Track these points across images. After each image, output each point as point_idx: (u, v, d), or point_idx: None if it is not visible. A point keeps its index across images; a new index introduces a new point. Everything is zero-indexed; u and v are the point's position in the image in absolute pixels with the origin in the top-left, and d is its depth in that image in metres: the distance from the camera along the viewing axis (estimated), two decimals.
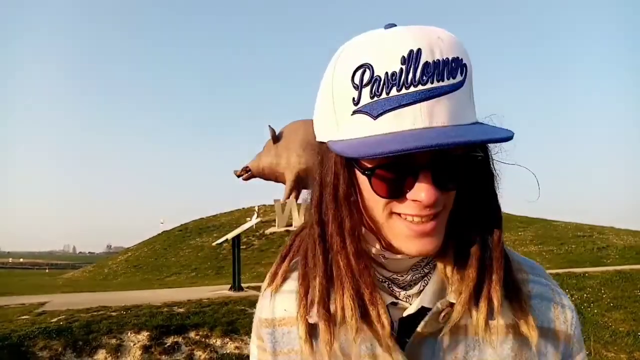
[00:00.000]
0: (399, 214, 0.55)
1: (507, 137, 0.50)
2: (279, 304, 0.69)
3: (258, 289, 9.05)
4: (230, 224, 20.19)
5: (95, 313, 6.93)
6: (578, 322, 0.66)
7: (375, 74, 0.51)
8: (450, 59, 0.51)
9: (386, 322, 0.57)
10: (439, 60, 0.50)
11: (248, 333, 6.59)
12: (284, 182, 19.61)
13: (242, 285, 9.48)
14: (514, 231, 16.88)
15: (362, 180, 0.56)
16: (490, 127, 0.53)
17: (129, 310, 7.15)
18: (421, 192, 0.52)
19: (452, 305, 0.58)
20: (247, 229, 12.44)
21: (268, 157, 19.56)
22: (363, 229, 0.60)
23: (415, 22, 0.56)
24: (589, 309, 8.15)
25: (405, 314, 0.62)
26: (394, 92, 0.50)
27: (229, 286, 9.70)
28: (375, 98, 0.51)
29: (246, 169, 20.34)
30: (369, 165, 0.54)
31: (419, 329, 0.59)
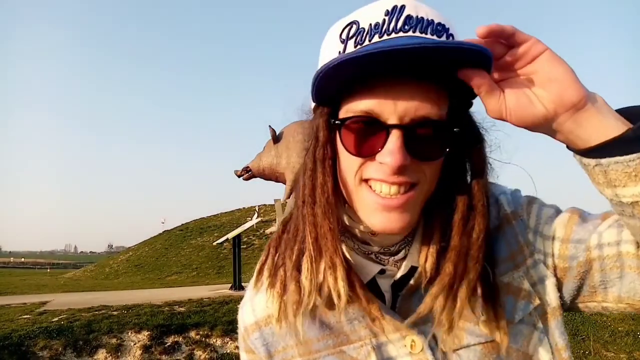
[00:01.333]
0: (368, 183, 0.55)
1: (478, 49, 0.48)
2: (258, 304, 0.67)
3: None
4: (230, 224, 20.22)
5: (96, 312, 6.96)
6: (517, 196, 0.66)
7: (360, 27, 0.53)
8: (435, 21, 0.53)
9: (342, 292, 0.56)
10: (422, 17, 0.52)
11: None
12: (284, 182, 19.53)
13: (243, 284, 9.49)
14: None
15: (340, 143, 0.57)
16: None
17: (129, 309, 7.17)
18: (388, 154, 0.51)
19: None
20: (248, 228, 12.47)
21: (268, 157, 19.48)
22: (346, 206, 0.61)
23: None
24: None
25: (397, 276, 0.62)
26: (375, 38, 0.52)
27: (229, 285, 9.73)
28: (359, 47, 0.53)
29: (246, 169, 20.26)
30: (343, 117, 0.55)
31: (411, 281, 0.61)
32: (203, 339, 6.28)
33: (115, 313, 6.94)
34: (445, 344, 0.59)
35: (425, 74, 0.51)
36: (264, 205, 23.44)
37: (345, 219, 0.62)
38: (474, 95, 0.56)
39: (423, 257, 0.60)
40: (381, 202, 0.54)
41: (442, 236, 0.59)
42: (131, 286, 12.73)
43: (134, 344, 6.01)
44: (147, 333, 6.21)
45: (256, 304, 0.68)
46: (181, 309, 7.24)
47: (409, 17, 0.52)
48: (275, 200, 17.96)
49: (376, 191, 0.54)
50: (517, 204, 0.66)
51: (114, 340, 5.97)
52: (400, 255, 0.62)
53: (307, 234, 0.59)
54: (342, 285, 0.56)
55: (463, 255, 0.56)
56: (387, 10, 0.52)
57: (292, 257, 0.62)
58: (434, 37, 0.52)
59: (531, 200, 0.66)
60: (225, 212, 25.31)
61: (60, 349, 5.62)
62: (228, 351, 6.16)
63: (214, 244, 14.25)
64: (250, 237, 17.63)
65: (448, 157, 0.57)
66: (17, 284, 15.84)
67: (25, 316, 6.93)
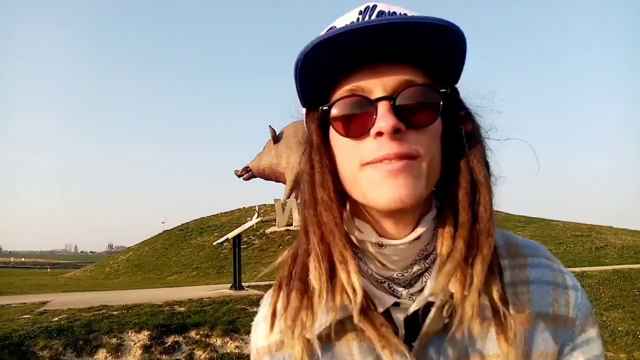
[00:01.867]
0: (370, 164, 0.53)
1: (443, 23, 0.48)
2: (272, 326, 0.63)
3: (259, 288, 8.94)
4: (230, 224, 20.23)
5: (96, 312, 6.96)
6: (584, 302, 0.60)
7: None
8: (409, 14, 0.54)
9: (357, 286, 0.53)
10: (394, 12, 0.54)
11: (248, 332, 6.58)
12: (284, 182, 19.62)
13: (243, 284, 9.49)
14: (512, 230, 16.74)
15: (334, 137, 0.57)
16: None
17: (130, 309, 7.17)
18: (380, 120, 0.51)
19: (453, 295, 0.54)
20: (248, 228, 12.46)
21: (268, 157, 19.57)
22: (356, 221, 0.59)
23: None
24: None
25: (410, 311, 0.58)
26: None
27: (229, 285, 9.73)
28: None
29: (247, 169, 20.35)
30: (331, 101, 0.56)
31: (424, 327, 0.56)
32: (203, 338, 6.29)
33: (115, 313, 6.94)
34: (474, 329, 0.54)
35: (402, 60, 0.53)
36: (264, 205, 23.45)
37: (354, 231, 0.59)
38: (456, 81, 0.58)
39: (440, 244, 0.56)
40: (386, 168, 0.51)
41: (455, 220, 0.56)
42: (131, 286, 12.73)
43: (134, 344, 6.02)
44: (147, 333, 6.21)
45: (269, 328, 0.64)
46: (181, 308, 7.25)
47: (381, 12, 0.54)
48: (275, 200, 18.04)
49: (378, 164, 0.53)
50: (583, 312, 0.60)
51: (114, 340, 5.98)
52: (416, 287, 0.58)
53: (311, 236, 0.57)
54: (355, 278, 0.53)
55: (473, 230, 0.53)
56: (360, 10, 0.55)
57: (298, 267, 0.60)
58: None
59: (593, 319, 0.61)
60: (225, 212, 25.28)
61: (60, 348, 5.62)
62: (228, 351, 6.16)
63: (214, 244, 14.25)
64: (250, 237, 17.61)
65: (446, 135, 0.56)
66: (17, 284, 15.82)
67: (26, 316, 6.93)
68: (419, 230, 0.56)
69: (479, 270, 0.52)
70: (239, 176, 20.68)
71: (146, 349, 5.96)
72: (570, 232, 16.69)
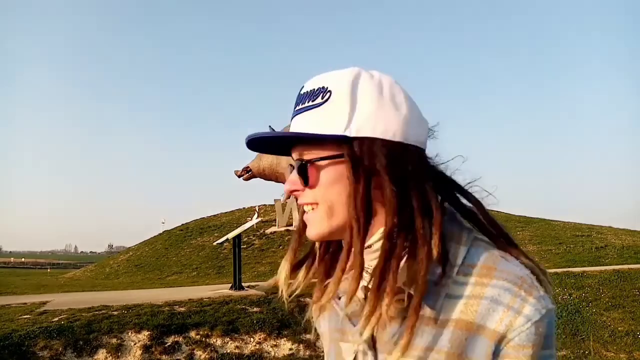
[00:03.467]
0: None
1: (294, 135, 0.67)
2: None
3: (259, 288, 8.89)
4: (230, 224, 20.25)
5: (96, 312, 6.97)
6: (530, 332, 0.59)
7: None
8: (315, 89, 0.68)
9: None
10: (306, 91, 0.70)
11: (248, 332, 6.63)
12: (284, 182, 19.56)
13: (243, 284, 9.49)
14: (512, 231, 16.75)
15: None
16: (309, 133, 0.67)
17: (130, 309, 7.18)
18: (286, 184, 0.72)
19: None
20: (248, 228, 12.47)
21: (269, 157, 19.53)
22: None
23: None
24: (588, 309, 8.18)
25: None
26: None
27: (229, 285, 9.73)
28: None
29: (247, 169, 20.31)
30: None
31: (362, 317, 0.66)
32: (203, 339, 6.30)
33: (115, 313, 6.94)
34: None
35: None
36: (264, 205, 23.46)
37: None
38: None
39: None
40: (304, 217, 0.71)
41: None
42: (131, 286, 12.75)
43: (134, 344, 6.03)
44: (147, 333, 6.22)
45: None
46: (181, 309, 7.25)
47: (299, 95, 0.70)
48: (275, 200, 18.03)
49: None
50: (521, 339, 0.59)
51: (114, 340, 5.99)
52: (365, 281, 0.68)
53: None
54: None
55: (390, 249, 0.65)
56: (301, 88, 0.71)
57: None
58: (309, 103, 0.68)
59: (534, 351, 0.59)
60: (225, 212, 25.27)
61: (60, 349, 5.63)
62: (228, 351, 6.17)
63: (214, 244, 14.23)
64: (250, 237, 17.62)
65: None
66: (18, 284, 15.82)
67: (26, 316, 6.94)
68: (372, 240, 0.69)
69: (392, 281, 0.63)
70: (239, 176, 20.64)
71: (146, 349, 5.96)
72: (570, 232, 16.70)
